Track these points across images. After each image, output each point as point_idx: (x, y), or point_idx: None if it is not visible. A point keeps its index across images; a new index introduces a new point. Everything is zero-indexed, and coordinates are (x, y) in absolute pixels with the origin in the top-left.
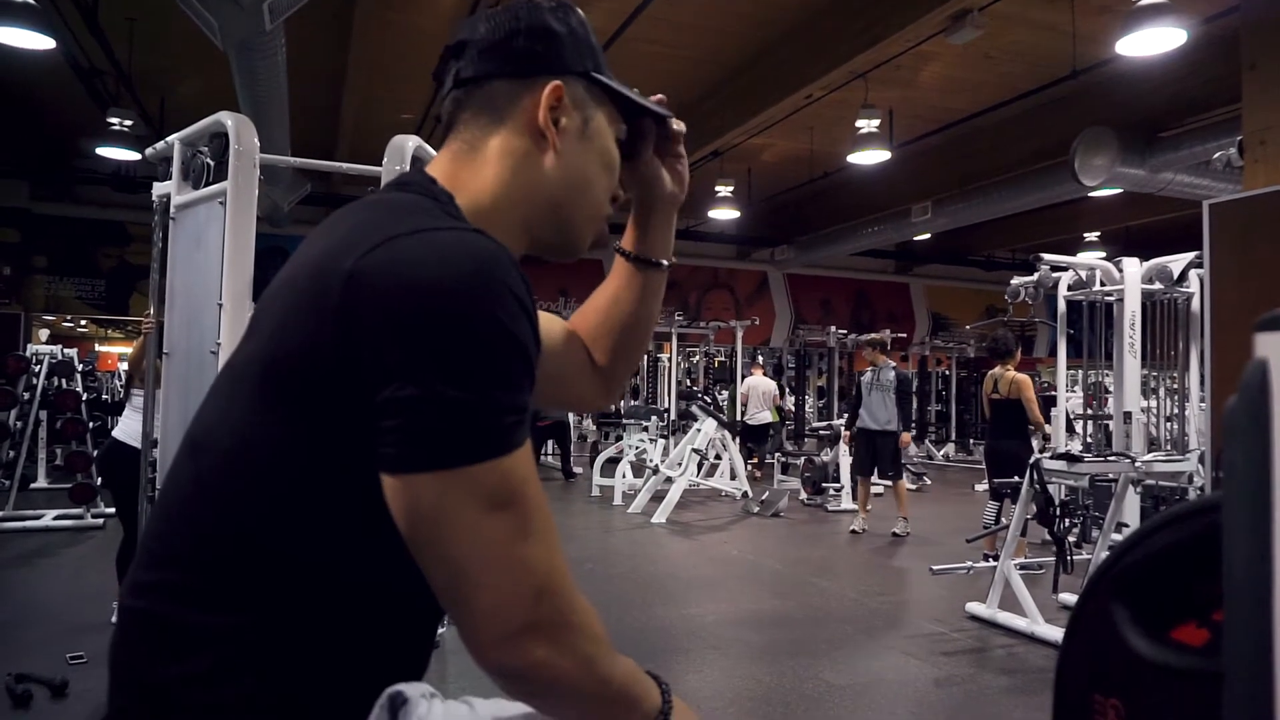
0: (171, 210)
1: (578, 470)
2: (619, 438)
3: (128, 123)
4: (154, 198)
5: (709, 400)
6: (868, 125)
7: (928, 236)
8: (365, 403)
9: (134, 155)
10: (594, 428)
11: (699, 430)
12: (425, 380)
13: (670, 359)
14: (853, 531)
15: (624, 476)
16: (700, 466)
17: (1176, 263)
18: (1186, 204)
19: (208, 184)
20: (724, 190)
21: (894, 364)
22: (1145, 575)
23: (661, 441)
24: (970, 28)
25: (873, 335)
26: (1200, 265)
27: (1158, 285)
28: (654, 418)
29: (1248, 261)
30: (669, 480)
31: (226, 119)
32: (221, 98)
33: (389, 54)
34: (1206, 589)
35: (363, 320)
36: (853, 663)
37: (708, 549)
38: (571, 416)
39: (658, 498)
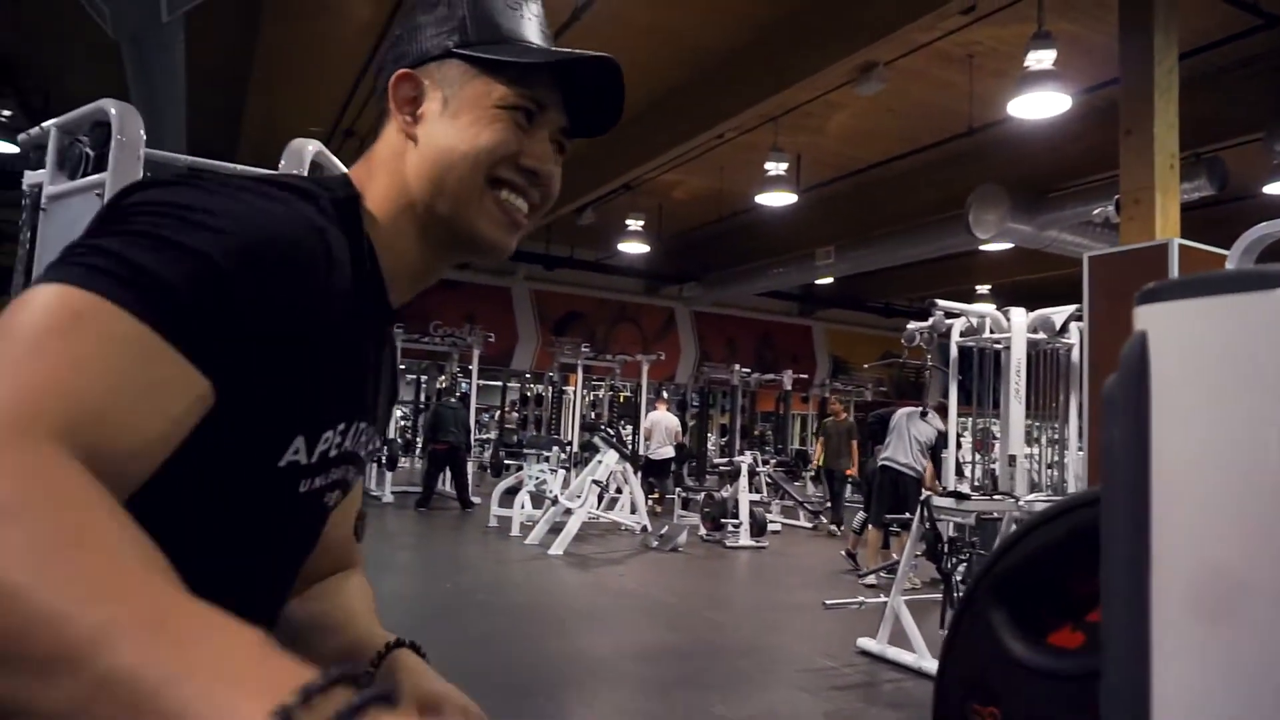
0: (43, 201)
1: (476, 500)
2: (519, 468)
3: (6, 113)
4: (24, 187)
5: (612, 433)
6: (776, 168)
7: (830, 280)
8: None
9: (10, 149)
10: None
11: (600, 462)
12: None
13: (576, 391)
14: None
15: (522, 507)
16: (601, 499)
17: (1059, 314)
18: (1068, 261)
19: (85, 175)
20: (634, 224)
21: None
22: (1022, 577)
23: (562, 473)
24: (876, 80)
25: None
26: (1080, 318)
27: (1041, 335)
28: (555, 448)
29: (1123, 312)
30: (568, 512)
31: (110, 106)
32: (113, 93)
33: (298, 61)
34: (1081, 589)
35: None
36: (744, 696)
37: (604, 582)
38: (473, 442)
39: (556, 529)
